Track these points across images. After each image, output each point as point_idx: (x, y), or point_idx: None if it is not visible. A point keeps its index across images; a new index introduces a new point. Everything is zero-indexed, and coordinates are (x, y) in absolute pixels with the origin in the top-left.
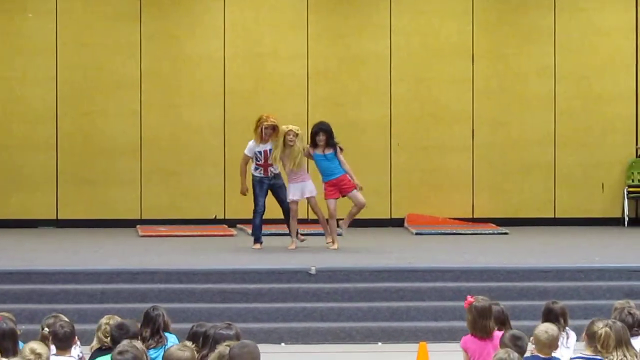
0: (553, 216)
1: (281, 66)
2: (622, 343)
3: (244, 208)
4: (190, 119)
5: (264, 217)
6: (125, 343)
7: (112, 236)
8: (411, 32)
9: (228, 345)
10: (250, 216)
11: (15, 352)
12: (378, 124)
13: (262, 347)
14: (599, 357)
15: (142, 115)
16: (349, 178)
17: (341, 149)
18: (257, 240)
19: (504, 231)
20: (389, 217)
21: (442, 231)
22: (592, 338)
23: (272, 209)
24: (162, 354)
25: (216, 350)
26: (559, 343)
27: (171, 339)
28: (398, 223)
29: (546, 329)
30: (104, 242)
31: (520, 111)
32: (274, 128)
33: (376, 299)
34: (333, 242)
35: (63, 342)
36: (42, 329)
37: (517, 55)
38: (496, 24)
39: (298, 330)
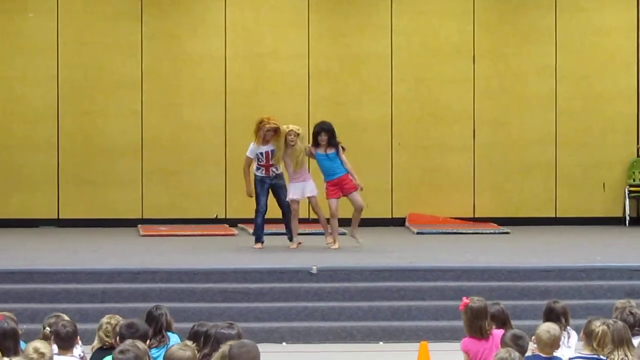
0: (554, 216)
1: (282, 66)
2: (624, 342)
3: (244, 207)
4: (191, 118)
5: (265, 216)
6: (127, 342)
7: (113, 236)
8: (412, 32)
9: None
10: (252, 215)
11: (16, 351)
12: (379, 124)
13: (264, 347)
14: (597, 356)
15: (143, 115)
16: (351, 178)
17: (343, 149)
18: (259, 239)
19: (505, 231)
20: (390, 216)
21: (443, 231)
22: (589, 337)
23: (274, 208)
24: (164, 353)
25: (219, 350)
26: (560, 342)
27: (173, 339)
28: (399, 222)
29: (548, 328)
30: (104, 242)
31: (521, 111)
32: (276, 130)
33: (377, 298)
34: (334, 241)
35: (65, 342)
36: (44, 328)
37: (517, 55)
38: (497, 23)
39: (299, 330)
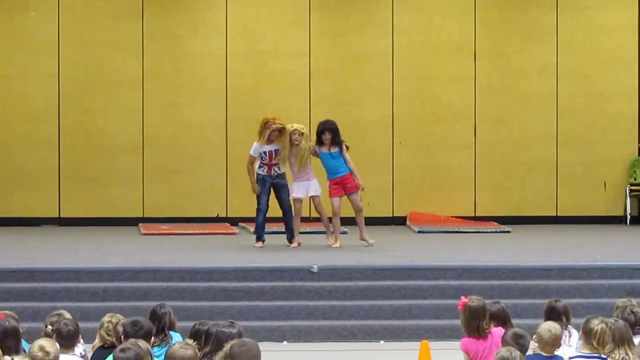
0: (555, 214)
1: (283, 64)
2: (624, 341)
3: (245, 206)
4: (192, 117)
5: (266, 215)
6: (129, 341)
7: (114, 234)
8: (413, 30)
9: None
10: (252, 214)
11: (17, 350)
12: (380, 123)
13: (264, 345)
14: (597, 355)
15: (144, 113)
16: (353, 178)
17: (347, 147)
18: (259, 238)
19: (506, 229)
20: (391, 215)
21: (444, 229)
22: (588, 335)
23: (275, 207)
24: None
25: (222, 350)
26: (562, 341)
27: (176, 338)
28: (400, 221)
29: (549, 327)
30: (106, 240)
31: (522, 109)
32: (281, 130)
33: (378, 297)
34: (336, 240)
35: (67, 340)
36: (46, 326)
37: (519, 53)
38: (498, 22)
39: (300, 329)
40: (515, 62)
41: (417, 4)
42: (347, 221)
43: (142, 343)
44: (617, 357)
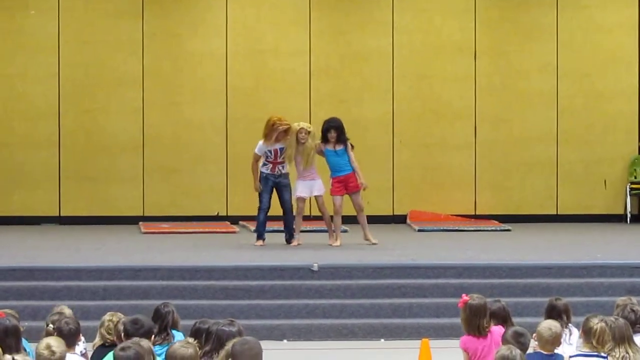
0: (555, 213)
1: (283, 63)
2: (625, 340)
3: (246, 205)
4: (192, 116)
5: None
6: (130, 340)
7: (115, 233)
8: (413, 29)
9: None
10: (253, 213)
11: (18, 349)
12: (380, 122)
13: (265, 344)
14: (597, 353)
15: (144, 113)
16: (356, 177)
17: (352, 146)
18: (260, 237)
19: (506, 228)
20: (392, 214)
21: (445, 228)
22: (588, 334)
23: (276, 206)
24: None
25: (224, 349)
26: (562, 340)
27: (178, 337)
28: (400, 220)
29: (549, 325)
30: (106, 239)
31: (523, 108)
32: (287, 130)
33: (378, 295)
34: (336, 238)
35: (68, 339)
36: (47, 325)
37: (519, 53)
38: (498, 21)
39: (300, 327)
40: (515, 62)
41: (418, 3)
42: (348, 220)
43: (145, 342)
44: (617, 356)
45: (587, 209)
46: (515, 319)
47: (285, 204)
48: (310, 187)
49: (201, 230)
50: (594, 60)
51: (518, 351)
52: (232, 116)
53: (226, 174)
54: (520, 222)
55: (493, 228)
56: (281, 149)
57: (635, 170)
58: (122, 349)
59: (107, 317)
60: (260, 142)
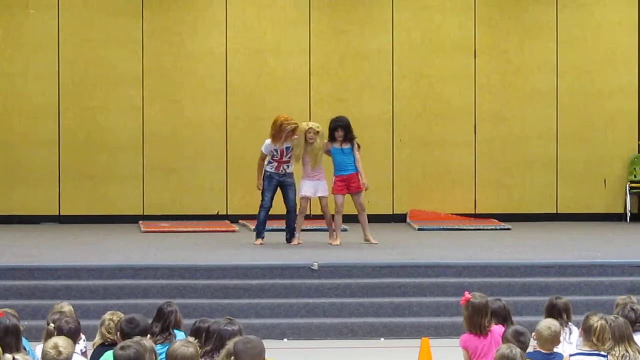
0: (555, 211)
1: (283, 62)
2: (625, 338)
3: (246, 204)
4: (192, 114)
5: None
6: (131, 339)
7: (115, 232)
8: (413, 27)
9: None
10: (253, 212)
11: (18, 348)
12: (380, 120)
13: (265, 343)
14: (597, 352)
15: (144, 111)
16: (359, 178)
17: (358, 146)
18: (259, 235)
19: (506, 227)
20: (392, 212)
21: (445, 227)
22: (588, 332)
23: (276, 205)
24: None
25: (225, 348)
26: (562, 338)
27: (179, 337)
28: (400, 219)
29: (549, 324)
30: (106, 238)
31: (522, 106)
32: (294, 130)
33: (378, 294)
34: (336, 237)
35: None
36: (48, 324)
37: (518, 51)
38: (498, 19)
39: (300, 326)
40: (515, 60)
41: (417, 1)
42: (348, 219)
43: (147, 341)
44: (617, 354)
45: (586, 207)
46: (514, 318)
47: (289, 202)
48: (315, 187)
49: (201, 229)
50: (593, 58)
51: (518, 350)
52: (232, 115)
53: (226, 173)
54: (520, 221)
55: (493, 227)
56: (287, 149)
57: (635, 169)
58: (122, 347)
59: (107, 316)
60: (268, 141)
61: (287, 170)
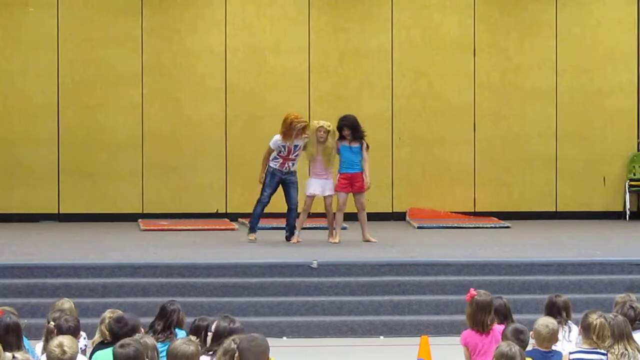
0: (554, 210)
1: (282, 60)
2: (624, 336)
3: (245, 202)
4: (191, 112)
5: (265, 209)
6: (133, 337)
7: (114, 230)
8: (412, 25)
9: (233, 341)
10: (251, 210)
11: (19, 346)
12: (380, 118)
13: None
14: (597, 350)
15: (144, 109)
16: (363, 178)
17: (367, 146)
18: (252, 230)
19: (505, 225)
20: (391, 210)
21: (444, 225)
22: (587, 330)
23: (276, 203)
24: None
25: (222, 346)
26: (561, 336)
27: (180, 335)
28: (400, 217)
29: (546, 323)
30: (105, 236)
31: (522, 105)
32: (304, 128)
33: (378, 292)
34: (336, 235)
35: None
36: (48, 322)
37: (518, 49)
38: (497, 17)
39: (300, 324)
40: (514, 58)
41: None
42: (348, 217)
43: (149, 339)
44: (616, 352)
45: (586, 205)
46: (514, 316)
47: (291, 200)
48: (322, 186)
49: (200, 227)
50: (593, 56)
51: (518, 348)
52: (231, 113)
53: (225, 171)
54: (520, 219)
55: (492, 225)
56: (295, 147)
57: (634, 167)
58: (122, 346)
59: (107, 314)
60: (278, 137)
61: (291, 168)
